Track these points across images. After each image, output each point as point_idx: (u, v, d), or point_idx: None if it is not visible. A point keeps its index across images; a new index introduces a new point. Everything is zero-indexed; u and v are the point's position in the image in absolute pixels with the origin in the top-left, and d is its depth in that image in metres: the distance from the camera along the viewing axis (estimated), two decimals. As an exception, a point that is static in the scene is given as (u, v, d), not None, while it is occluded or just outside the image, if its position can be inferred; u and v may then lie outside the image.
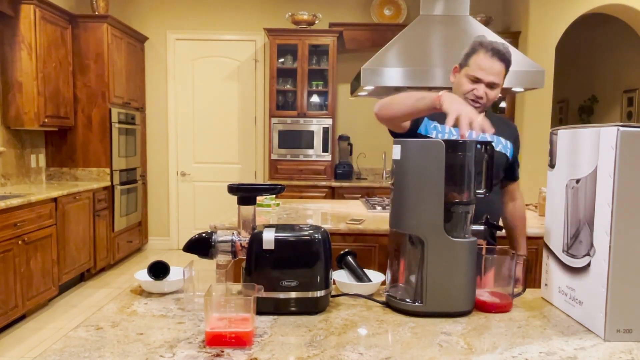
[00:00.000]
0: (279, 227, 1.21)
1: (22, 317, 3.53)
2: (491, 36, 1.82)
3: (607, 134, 1.05)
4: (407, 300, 1.22)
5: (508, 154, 1.95)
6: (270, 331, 1.09)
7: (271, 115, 5.26)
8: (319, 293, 1.19)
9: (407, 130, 1.88)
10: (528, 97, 5.04)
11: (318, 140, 5.23)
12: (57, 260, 3.90)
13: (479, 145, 1.28)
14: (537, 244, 2.43)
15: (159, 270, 1.33)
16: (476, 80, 1.82)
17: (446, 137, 1.85)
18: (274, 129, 5.25)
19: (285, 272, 1.18)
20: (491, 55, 1.80)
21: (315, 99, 5.37)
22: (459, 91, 1.87)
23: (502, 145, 1.93)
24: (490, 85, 1.82)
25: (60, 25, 4.51)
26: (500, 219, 2.07)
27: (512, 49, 2.95)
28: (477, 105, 1.85)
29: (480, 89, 1.82)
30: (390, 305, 1.25)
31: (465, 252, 1.20)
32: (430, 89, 3.18)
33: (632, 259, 1.04)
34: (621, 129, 1.02)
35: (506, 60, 1.82)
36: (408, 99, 1.67)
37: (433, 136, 1.86)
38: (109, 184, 4.82)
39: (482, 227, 1.30)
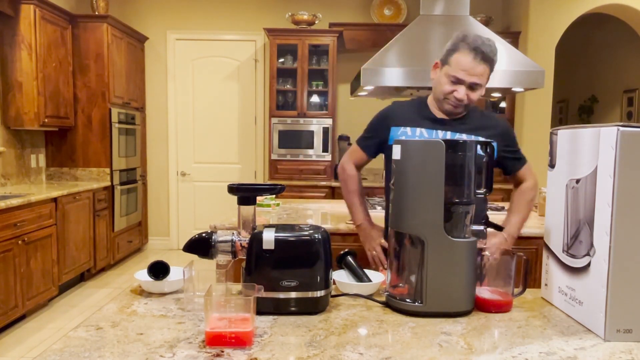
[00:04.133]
0: (279, 227, 1.21)
1: (22, 317, 3.53)
2: (480, 31, 1.74)
3: (607, 134, 1.05)
4: (407, 300, 1.22)
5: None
6: (270, 331, 1.09)
7: (271, 115, 5.26)
8: (319, 293, 1.19)
9: (377, 150, 1.99)
10: (528, 97, 5.04)
11: (318, 140, 5.23)
12: (57, 260, 3.90)
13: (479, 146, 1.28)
14: (537, 244, 2.43)
15: (159, 270, 1.33)
16: (457, 81, 1.73)
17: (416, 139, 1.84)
18: (274, 129, 5.25)
19: (285, 272, 1.18)
20: (474, 55, 1.69)
21: (315, 99, 5.37)
22: (439, 90, 1.79)
23: (482, 146, 1.89)
24: (472, 87, 1.73)
25: (60, 25, 4.51)
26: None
27: (508, 48, 2.95)
28: (459, 106, 1.78)
29: (461, 91, 1.73)
30: (390, 305, 1.25)
31: (465, 252, 1.20)
32: (430, 89, 3.17)
33: (632, 259, 1.04)
34: (621, 129, 1.02)
35: (490, 60, 1.71)
36: (348, 204, 2.06)
37: None
38: (109, 184, 4.82)
39: (482, 227, 1.30)
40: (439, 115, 1.87)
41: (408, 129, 1.86)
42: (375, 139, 1.96)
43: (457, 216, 1.21)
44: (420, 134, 1.84)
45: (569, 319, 1.19)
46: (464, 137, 1.82)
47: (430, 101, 1.91)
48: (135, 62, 5.42)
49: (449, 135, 1.83)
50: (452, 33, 3.15)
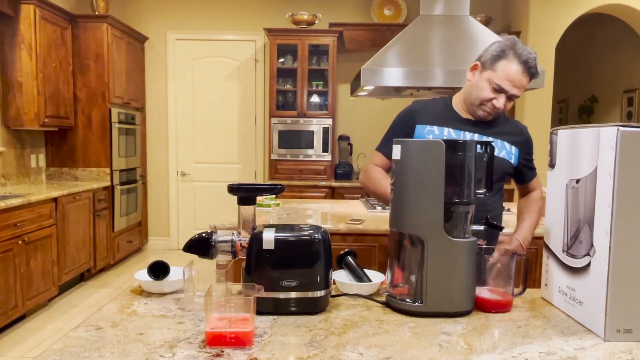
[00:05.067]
0: (279, 227, 1.21)
1: (22, 317, 3.53)
2: (518, 43, 1.70)
3: (607, 134, 1.05)
4: (407, 300, 1.22)
5: (512, 161, 1.84)
6: (270, 331, 1.09)
7: (271, 115, 5.26)
8: (319, 293, 1.19)
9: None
10: (528, 97, 5.04)
11: (318, 140, 5.23)
12: (57, 260, 3.90)
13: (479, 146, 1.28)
14: (537, 244, 2.43)
15: (159, 270, 1.33)
16: (500, 90, 1.68)
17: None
18: (274, 129, 5.25)
19: (285, 272, 1.18)
20: (523, 68, 1.65)
21: (315, 99, 5.37)
22: (476, 95, 1.73)
23: (506, 151, 1.83)
24: (511, 97, 1.70)
25: (60, 25, 4.51)
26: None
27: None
28: (493, 114, 1.74)
29: (501, 100, 1.69)
30: (390, 305, 1.25)
31: (465, 252, 1.20)
32: (430, 89, 3.18)
33: (632, 259, 1.04)
34: (621, 129, 1.02)
35: (534, 75, 1.69)
36: (379, 195, 1.91)
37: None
38: (109, 184, 4.82)
39: (482, 227, 1.30)
40: (465, 115, 1.82)
41: (435, 128, 1.78)
42: None
43: (457, 216, 1.21)
44: (449, 133, 1.77)
45: (569, 319, 1.19)
46: (489, 138, 1.77)
47: (456, 101, 1.85)
48: (135, 62, 5.42)
49: (476, 137, 1.78)
50: (452, 33, 3.15)
